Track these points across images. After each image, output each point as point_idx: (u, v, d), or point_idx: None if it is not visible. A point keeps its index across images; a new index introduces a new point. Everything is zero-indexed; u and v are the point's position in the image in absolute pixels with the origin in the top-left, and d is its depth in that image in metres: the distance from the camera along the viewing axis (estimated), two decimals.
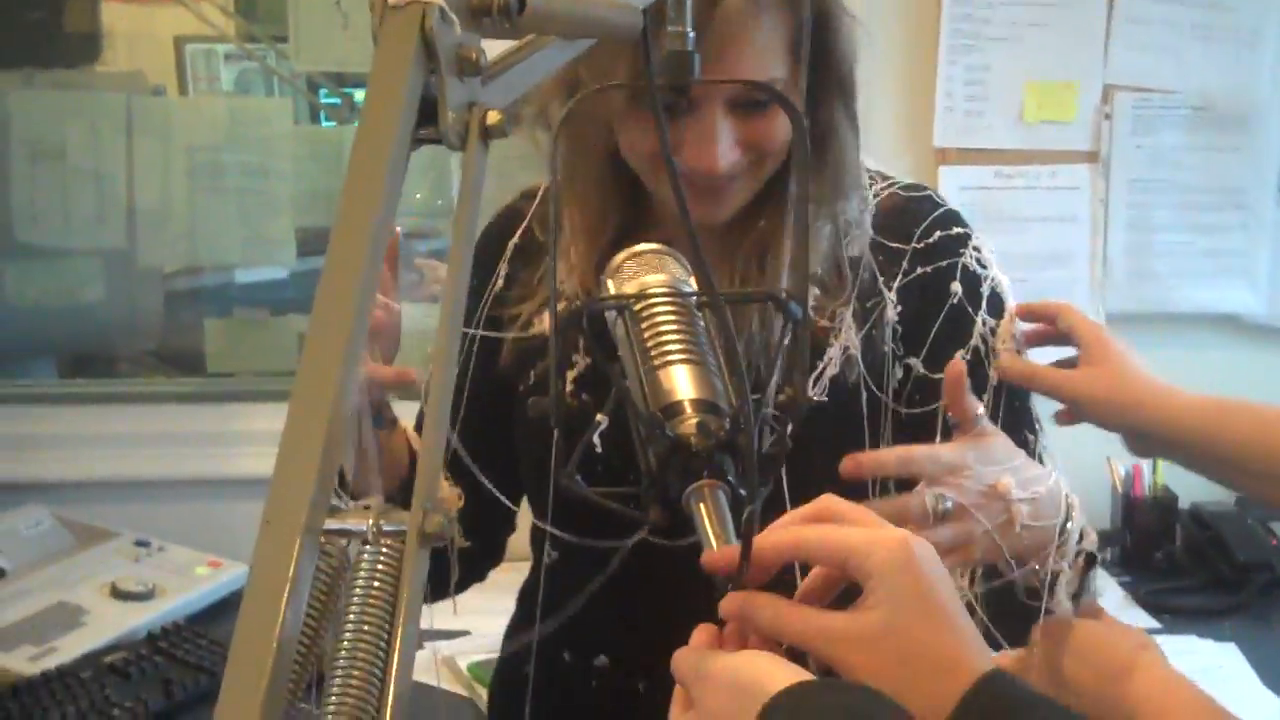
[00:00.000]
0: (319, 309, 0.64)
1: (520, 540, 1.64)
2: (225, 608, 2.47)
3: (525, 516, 1.61)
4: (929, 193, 1.58)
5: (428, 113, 0.70)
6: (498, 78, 0.76)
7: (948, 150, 2.80)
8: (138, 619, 2.31)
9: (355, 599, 0.65)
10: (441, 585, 1.48)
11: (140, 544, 2.54)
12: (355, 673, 0.63)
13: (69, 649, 2.19)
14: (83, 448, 2.81)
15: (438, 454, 0.67)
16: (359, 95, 3.21)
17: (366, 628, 0.64)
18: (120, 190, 2.93)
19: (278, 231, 2.97)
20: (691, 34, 1.11)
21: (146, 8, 3.30)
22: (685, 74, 1.10)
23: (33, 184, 2.92)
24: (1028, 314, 1.47)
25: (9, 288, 3.02)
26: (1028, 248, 2.78)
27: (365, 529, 0.67)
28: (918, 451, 1.28)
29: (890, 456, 1.29)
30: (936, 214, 1.54)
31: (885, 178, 1.58)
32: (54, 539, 2.54)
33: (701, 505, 0.95)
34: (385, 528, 0.67)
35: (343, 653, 0.64)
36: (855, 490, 1.46)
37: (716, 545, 0.93)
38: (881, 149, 2.78)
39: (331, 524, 0.66)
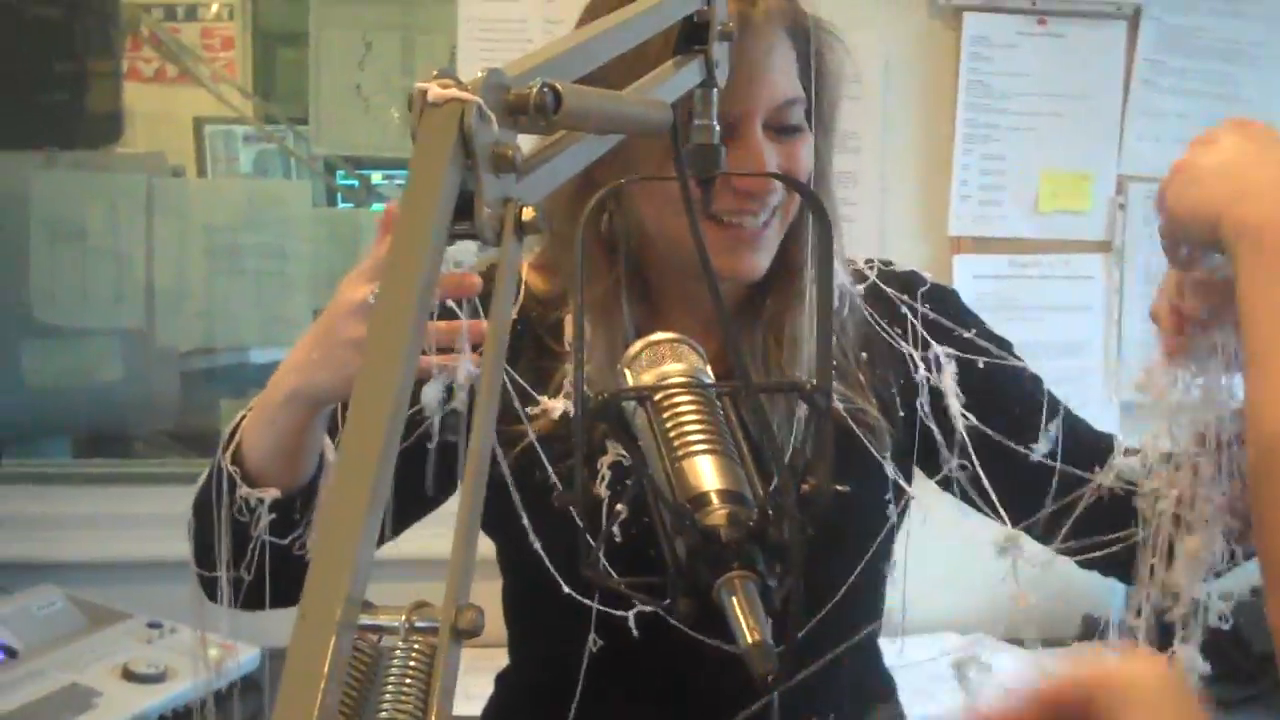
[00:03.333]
0: (357, 407, 0.64)
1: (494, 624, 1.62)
2: (239, 690, 2.45)
3: (495, 597, 1.59)
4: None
5: (463, 207, 0.71)
6: (531, 173, 0.77)
7: (963, 239, 2.82)
8: (149, 701, 2.30)
9: (388, 695, 0.65)
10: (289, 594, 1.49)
11: (153, 625, 2.53)
12: None
13: None
14: (96, 528, 2.81)
15: (470, 551, 0.67)
16: (377, 177, 3.23)
17: None
18: (139, 270, 2.95)
19: (294, 312, 2.98)
20: (717, 127, 1.13)
21: (167, 89, 3.33)
22: (713, 166, 1.12)
23: (52, 264, 2.93)
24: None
25: (26, 367, 3.02)
26: (1042, 337, 2.78)
27: (398, 625, 0.66)
28: None
29: None
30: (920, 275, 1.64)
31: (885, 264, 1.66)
32: (66, 620, 2.53)
33: (733, 597, 0.95)
34: (417, 624, 0.66)
35: None
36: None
37: (750, 637, 0.93)
38: (897, 237, 2.80)
39: (364, 619, 0.66)
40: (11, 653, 2.38)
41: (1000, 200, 2.80)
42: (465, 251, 1.35)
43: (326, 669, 0.59)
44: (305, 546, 1.46)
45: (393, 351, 0.65)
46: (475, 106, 0.69)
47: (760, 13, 1.40)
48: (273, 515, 1.45)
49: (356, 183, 3.33)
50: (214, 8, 3.42)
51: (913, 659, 2.56)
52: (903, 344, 1.56)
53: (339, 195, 3.41)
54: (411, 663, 0.65)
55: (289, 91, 3.25)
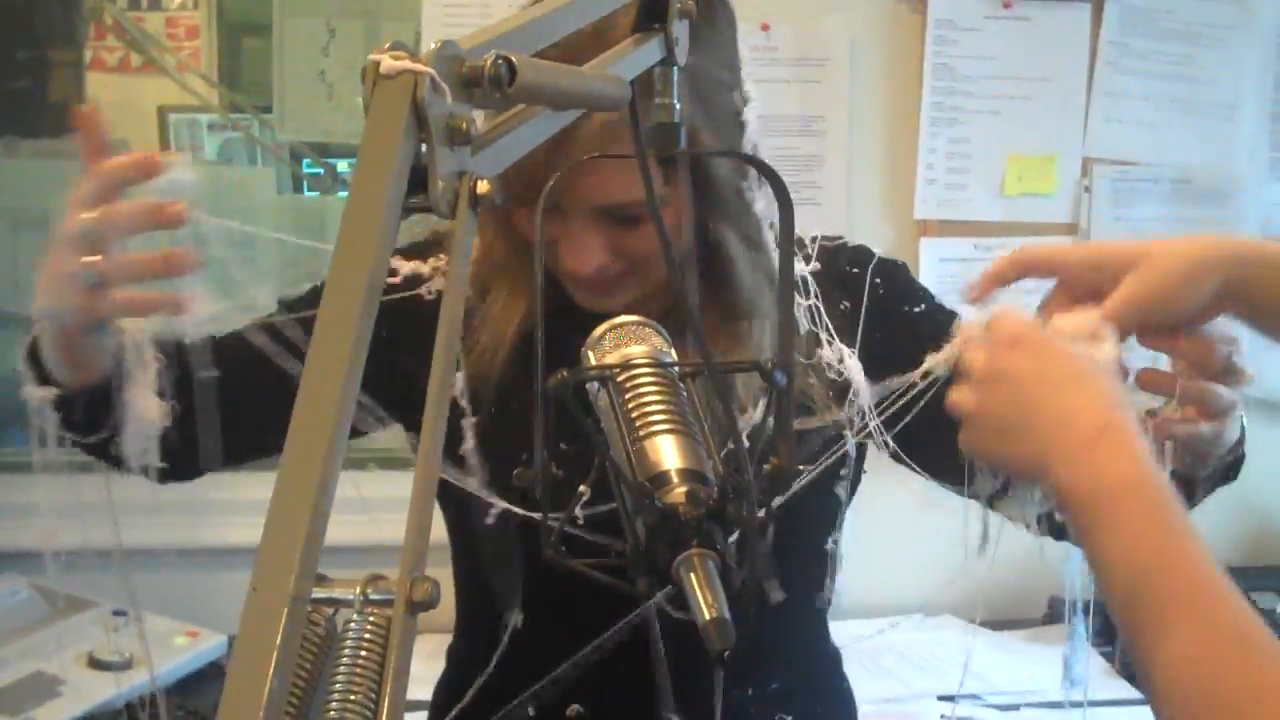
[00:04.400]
0: (309, 376, 0.64)
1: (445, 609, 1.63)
2: (203, 678, 2.45)
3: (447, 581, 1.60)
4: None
5: (418, 181, 0.70)
6: (487, 147, 0.76)
7: (928, 222, 2.82)
8: (115, 689, 2.29)
9: (342, 668, 0.65)
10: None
11: (118, 614, 2.52)
12: None
13: (46, 719, 2.17)
14: (60, 516, 2.78)
15: (425, 522, 0.67)
16: (343, 165, 3.22)
17: (353, 697, 0.64)
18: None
19: (261, 299, 2.96)
20: (679, 105, 1.13)
21: (130, 78, 3.31)
22: (673, 145, 1.12)
23: (14, 252, 2.91)
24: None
25: None
26: None
27: (352, 597, 0.66)
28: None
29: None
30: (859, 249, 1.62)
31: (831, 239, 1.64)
32: (31, 608, 2.52)
33: (692, 574, 0.95)
34: (372, 596, 0.66)
35: None
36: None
37: (707, 613, 0.93)
38: (863, 220, 2.81)
39: (318, 593, 0.65)
40: None
41: (966, 183, 2.81)
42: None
43: (278, 641, 0.59)
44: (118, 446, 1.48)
45: (344, 326, 0.64)
46: (429, 78, 0.69)
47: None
48: (63, 413, 1.49)
49: (322, 170, 3.31)
50: None
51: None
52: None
53: (305, 183, 3.39)
54: (366, 635, 0.65)
55: (254, 80, 3.23)
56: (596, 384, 1.06)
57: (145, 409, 1.47)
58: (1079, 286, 1.24)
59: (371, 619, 0.66)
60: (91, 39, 3.17)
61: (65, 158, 2.88)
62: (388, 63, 0.69)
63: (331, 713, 0.64)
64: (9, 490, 2.78)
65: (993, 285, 1.31)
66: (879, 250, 1.65)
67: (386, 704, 0.63)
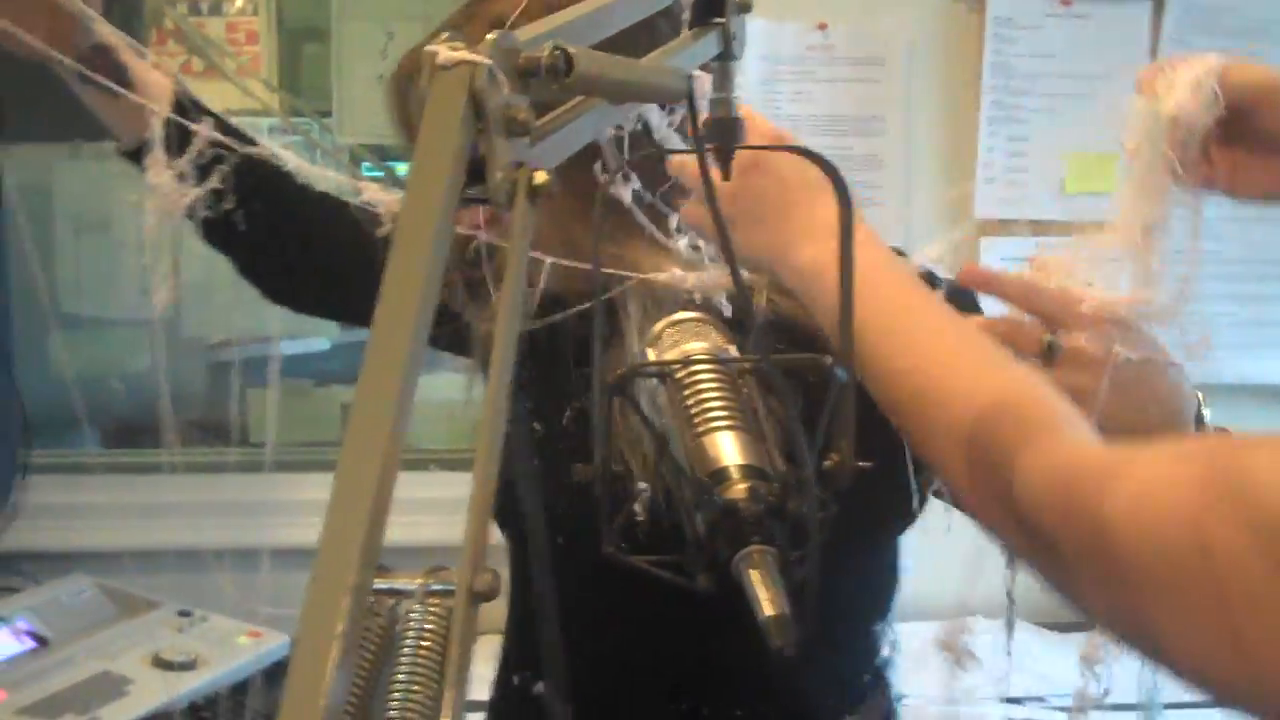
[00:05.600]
0: (367, 368, 0.64)
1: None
2: (267, 678, 2.46)
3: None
4: None
5: (475, 172, 0.71)
6: (545, 138, 0.76)
7: (988, 222, 2.80)
8: (180, 689, 2.31)
9: (404, 660, 0.65)
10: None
11: (182, 614, 2.54)
12: None
13: (112, 719, 2.18)
14: (125, 517, 2.81)
15: (485, 514, 0.67)
16: (401, 168, 3.23)
17: (415, 688, 0.64)
18: (164, 261, 2.95)
19: None
20: (735, 99, 1.12)
21: (192, 82, 3.33)
22: (732, 139, 1.11)
23: (77, 255, 2.94)
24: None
25: (54, 358, 3.03)
26: None
27: (413, 588, 0.66)
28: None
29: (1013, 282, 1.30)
30: None
31: None
32: (97, 609, 2.55)
33: (752, 571, 0.95)
34: (433, 587, 0.66)
35: (392, 714, 0.63)
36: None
37: (767, 609, 0.93)
38: (923, 220, 2.80)
39: (380, 583, 0.66)
40: (43, 641, 2.39)
41: (1026, 182, 2.79)
42: None
43: (340, 631, 0.59)
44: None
45: (405, 314, 0.65)
46: (486, 69, 0.69)
47: None
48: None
49: (381, 173, 3.32)
50: (238, 2, 3.43)
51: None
52: None
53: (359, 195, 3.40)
54: (428, 626, 0.65)
55: (313, 85, 3.25)
56: (655, 380, 1.06)
57: (156, 179, 1.53)
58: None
59: (433, 610, 0.66)
60: (153, 44, 3.19)
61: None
62: (445, 53, 0.69)
63: (394, 704, 0.64)
64: (74, 491, 2.82)
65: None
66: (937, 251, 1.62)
67: (450, 695, 0.63)
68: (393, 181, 3.25)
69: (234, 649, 2.47)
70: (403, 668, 0.65)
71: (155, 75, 1.58)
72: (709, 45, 1.07)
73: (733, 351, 1.07)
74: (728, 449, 0.99)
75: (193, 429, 3.04)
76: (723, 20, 1.07)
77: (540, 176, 0.72)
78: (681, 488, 1.00)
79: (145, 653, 2.39)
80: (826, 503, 1.10)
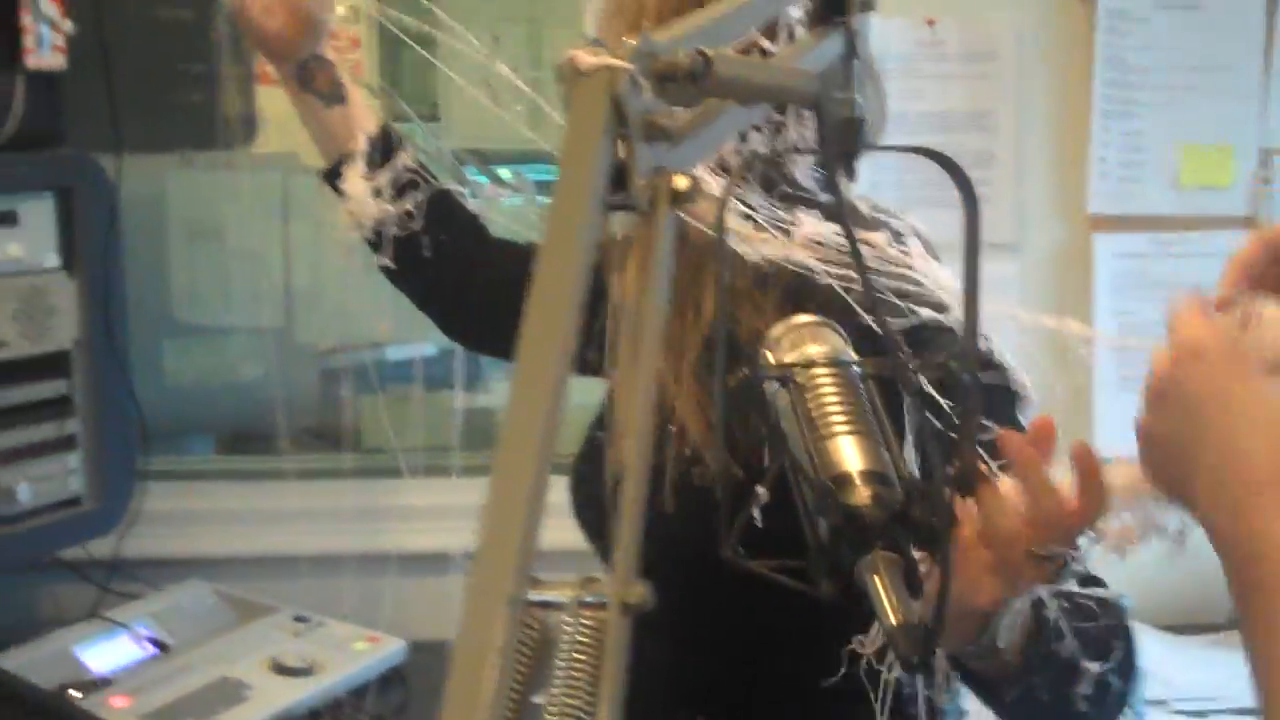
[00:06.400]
0: (519, 378, 0.64)
1: None
2: (384, 683, 2.47)
3: None
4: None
5: (616, 178, 0.70)
6: (683, 142, 0.76)
7: (1102, 217, 2.76)
8: (299, 694, 2.32)
9: (558, 673, 0.65)
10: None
11: (299, 619, 2.56)
12: None
13: None
14: (242, 524, 2.84)
15: (638, 525, 0.67)
16: (504, 172, 3.24)
17: (570, 701, 0.64)
18: (276, 269, 2.99)
19: None
20: (860, 101, 1.11)
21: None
22: (856, 142, 1.10)
23: (191, 264, 2.97)
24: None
25: (169, 366, 3.07)
26: None
27: (566, 601, 0.66)
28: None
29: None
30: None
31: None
32: (216, 614, 2.57)
33: (876, 577, 0.94)
34: (586, 599, 0.66)
35: None
36: None
37: (894, 618, 0.92)
38: (1035, 217, 2.77)
39: (532, 595, 0.65)
40: (163, 647, 2.42)
41: (1140, 177, 2.74)
42: None
43: (499, 643, 0.58)
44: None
45: (552, 328, 0.64)
46: (628, 75, 0.68)
47: None
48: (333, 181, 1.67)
49: (486, 178, 3.33)
50: (340, 9, 3.44)
51: None
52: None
53: (469, 190, 3.41)
54: (581, 639, 0.65)
55: (416, 90, 3.27)
56: (775, 383, 1.05)
57: (353, 189, 1.59)
58: None
59: (585, 622, 0.65)
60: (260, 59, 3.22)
61: (238, 170, 2.94)
62: (585, 59, 0.69)
63: (549, 717, 0.63)
64: (193, 498, 2.86)
65: (1243, 273, 1.02)
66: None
67: (604, 709, 0.63)
68: (497, 184, 3.27)
69: (351, 654, 2.48)
70: (557, 681, 0.64)
71: (361, 95, 1.66)
72: (833, 45, 1.06)
73: (851, 354, 1.06)
74: (850, 454, 0.98)
75: (306, 435, 3.06)
76: (847, 19, 1.06)
77: (682, 182, 0.72)
78: (803, 492, 1.00)
79: (264, 658, 2.40)
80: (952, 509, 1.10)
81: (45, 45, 2.15)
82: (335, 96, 1.60)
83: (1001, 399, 1.35)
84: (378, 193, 1.60)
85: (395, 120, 3.34)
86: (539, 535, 0.62)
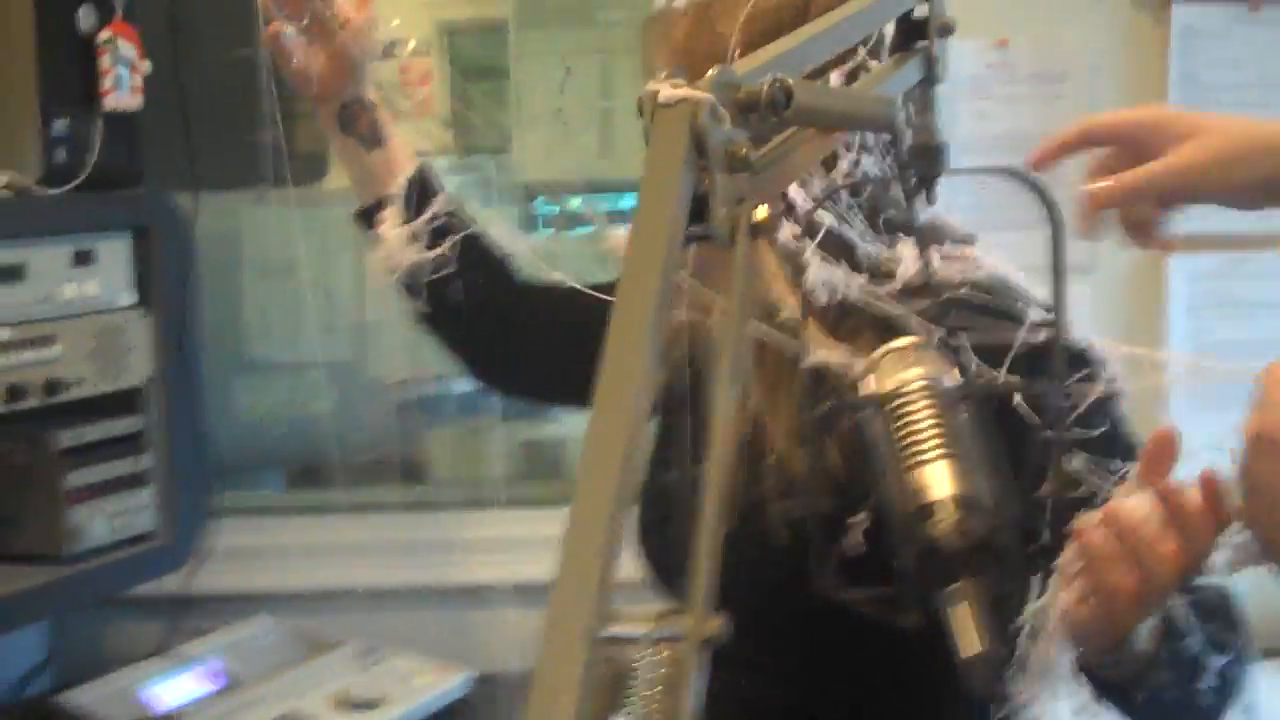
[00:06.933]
0: (598, 408, 0.63)
1: None
2: (449, 715, 2.47)
3: None
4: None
5: (695, 209, 0.69)
6: (762, 172, 0.75)
7: (1175, 237, 2.72)
8: None
9: (631, 708, 0.64)
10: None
11: (365, 653, 2.56)
12: None
13: None
14: (308, 558, 2.85)
15: (714, 558, 0.66)
16: (575, 202, 3.24)
17: None
18: (346, 303, 3.00)
19: None
20: (939, 126, 1.10)
21: None
22: (936, 166, 1.09)
23: (264, 300, 2.99)
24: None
25: (239, 402, 3.08)
26: (1259, 335, 2.68)
27: (641, 635, 0.65)
28: None
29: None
30: None
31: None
32: (282, 649, 2.57)
33: (954, 609, 0.93)
34: (662, 633, 0.65)
35: None
36: None
37: (966, 649, 0.91)
38: (1108, 239, 2.73)
39: (608, 630, 0.64)
40: (232, 682, 2.42)
41: None
42: None
43: (577, 677, 0.57)
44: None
45: (632, 358, 0.63)
46: (709, 105, 0.67)
47: None
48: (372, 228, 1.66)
49: (557, 208, 3.34)
50: (411, 44, 3.47)
51: None
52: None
53: (539, 221, 3.42)
54: (657, 672, 0.64)
55: (488, 122, 3.28)
56: (870, 411, 1.04)
57: (388, 234, 1.60)
58: (1138, 149, 1.24)
59: (661, 656, 0.64)
60: None
61: (311, 205, 2.95)
62: (666, 91, 0.68)
63: None
64: (259, 533, 2.86)
65: (1058, 154, 1.31)
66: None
67: None
68: (568, 217, 3.28)
69: (416, 687, 2.48)
70: (630, 717, 0.63)
71: (401, 139, 1.65)
72: (911, 71, 1.05)
73: (950, 378, 1.05)
74: (939, 480, 0.97)
75: (377, 467, 3.06)
76: (927, 44, 1.06)
77: (762, 212, 0.71)
78: (892, 522, 0.99)
79: (330, 692, 2.41)
80: (1037, 533, 1.08)
81: (124, 86, 2.17)
82: (375, 139, 1.61)
83: (1106, 405, 1.34)
84: (414, 237, 1.60)
85: (467, 153, 3.38)
86: (617, 565, 0.62)
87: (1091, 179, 1.27)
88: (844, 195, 1.32)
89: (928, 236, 1.34)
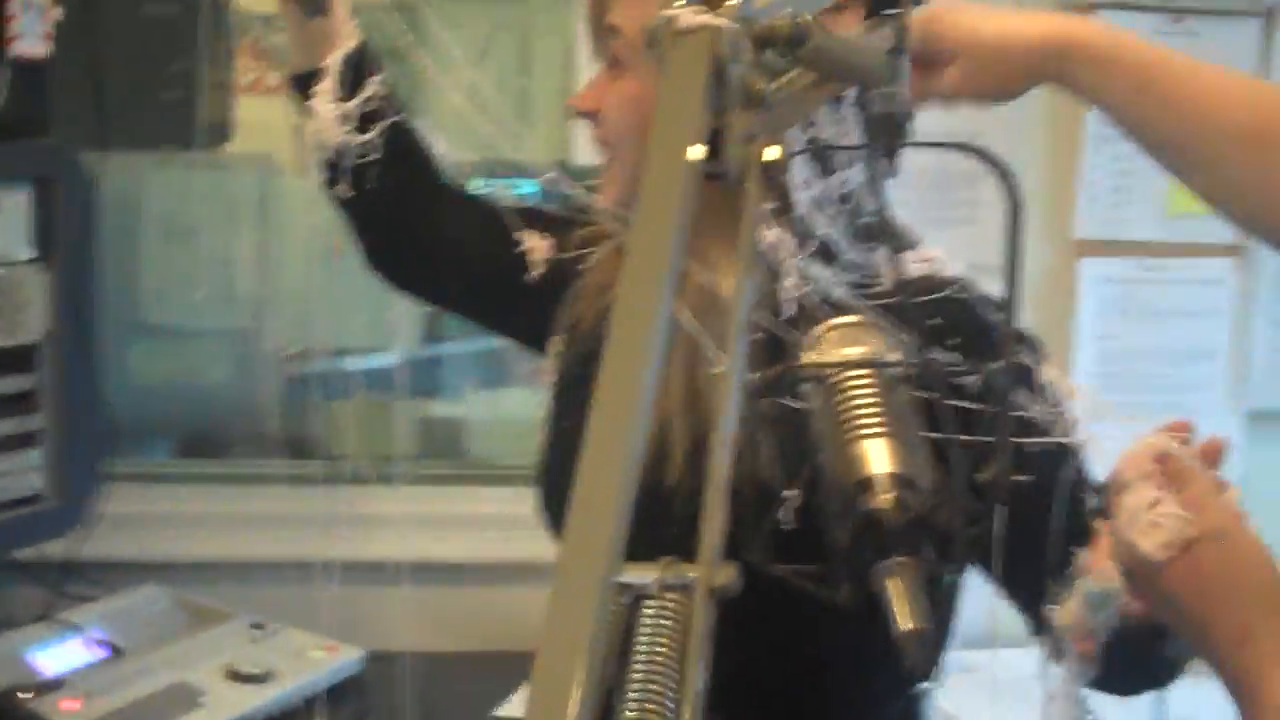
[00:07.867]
0: (612, 349, 0.60)
1: None
2: (341, 692, 2.43)
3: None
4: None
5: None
6: (771, 111, 0.73)
7: (1088, 241, 2.76)
8: (255, 701, 2.28)
9: (640, 655, 0.62)
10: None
11: (256, 626, 2.51)
12: None
13: None
14: (199, 528, 2.79)
15: (723, 509, 0.64)
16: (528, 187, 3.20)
17: (653, 686, 0.61)
18: (246, 272, 2.94)
19: (401, 316, 2.95)
20: (902, 95, 1.09)
21: (264, 98, 3.32)
22: (897, 136, 1.08)
23: (167, 263, 2.92)
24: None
25: (133, 367, 3.01)
26: (1167, 342, 2.72)
27: (649, 583, 0.63)
28: None
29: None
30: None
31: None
32: (171, 619, 2.52)
33: (891, 582, 0.92)
34: (670, 581, 0.63)
35: (630, 710, 0.60)
36: None
37: (904, 624, 0.90)
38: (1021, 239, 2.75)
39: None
40: (117, 651, 2.36)
41: (1128, 202, 2.74)
42: None
43: (591, 623, 0.55)
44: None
45: (646, 295, 0.61)
46: (730, 33, 0.65)
47: None
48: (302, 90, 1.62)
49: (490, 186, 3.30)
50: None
51: None
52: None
53: None
54: (664, 621, 0.62)
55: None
56: (810, 384, 1.02)
57: (320, 111, 1.57)
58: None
59: (669, 604, 0.62)
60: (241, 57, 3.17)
61: (215, 170, 2.90)
62: (686, 17, 0.66)
63: (632, 699, 0.60)
64: (150, 500, 2.80)
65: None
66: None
67: (688, 690, 0.60)
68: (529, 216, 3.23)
69: (308, 662, 2.44)
70: (638, 665, 0.61)
71: (345, 16, 1.62)
72: (883, 39, 1.04)
73: (897, 356, 1.03)
74: (877, 456, 0.96)
75: (269, 441, 3.01)
76: (899, 11, 1.04)
77: (773, 152, 0.68)
78: (828, 496, 0.97)
79: (219, 664, 2.36)
80: (979, 517, 1.07)
81: (31, 32, 2.10)
82: (317, 7, 1.58)
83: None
84: (346, 119, 1.57)
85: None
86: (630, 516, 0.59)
87: None
88: (832, 199, 1.31)
89: (902, 241, 1.34)
